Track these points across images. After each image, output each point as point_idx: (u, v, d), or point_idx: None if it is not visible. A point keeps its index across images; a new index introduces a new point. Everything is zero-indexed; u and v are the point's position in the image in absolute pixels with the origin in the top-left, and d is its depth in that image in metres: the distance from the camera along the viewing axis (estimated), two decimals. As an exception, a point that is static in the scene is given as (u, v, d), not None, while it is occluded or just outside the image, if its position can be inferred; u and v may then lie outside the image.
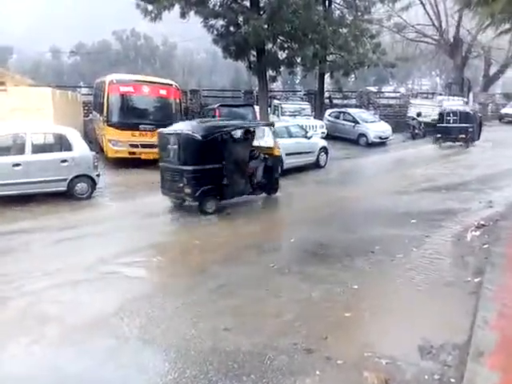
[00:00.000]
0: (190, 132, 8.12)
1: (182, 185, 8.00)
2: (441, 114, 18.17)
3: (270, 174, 9.35)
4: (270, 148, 9.61)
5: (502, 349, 3.30)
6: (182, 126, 8.86)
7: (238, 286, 4.90)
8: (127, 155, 12.61)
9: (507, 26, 7.70)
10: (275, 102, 19.86)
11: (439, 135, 17.72)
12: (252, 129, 9.51)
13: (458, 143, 17.21)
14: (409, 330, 3.87)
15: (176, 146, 8.17)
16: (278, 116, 18.55)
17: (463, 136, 16.93)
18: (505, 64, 31.81)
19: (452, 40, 27.90)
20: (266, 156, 9.36)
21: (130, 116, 12.78)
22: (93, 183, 9.59)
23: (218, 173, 8.21)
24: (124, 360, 3.57)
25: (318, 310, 4.29)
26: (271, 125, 10.32)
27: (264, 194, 9.45)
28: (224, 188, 8.32)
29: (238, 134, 9.23)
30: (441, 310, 4.21)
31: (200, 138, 7.90)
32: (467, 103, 24.18)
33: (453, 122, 17.39)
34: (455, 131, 17.10)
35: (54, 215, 8.21)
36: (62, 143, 9.37)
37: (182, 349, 3.62)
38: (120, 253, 6.04)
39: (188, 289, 4.88)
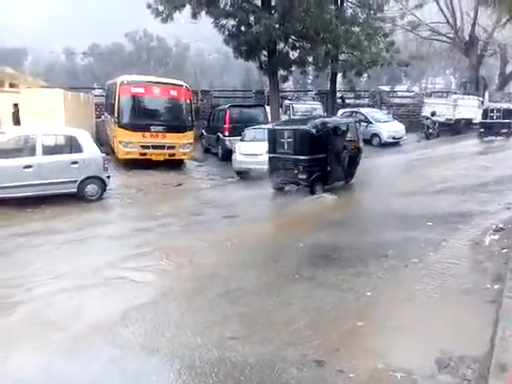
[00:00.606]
0: (305, 127, 9.73)
1: (296, 172, 9.59)
2: (485, 111, 19.65)
3: (354, 163, 10.93)
4: (353, 141, 10.95)
5: (526, 364, 3.09)
6: (295, 122, 11.64)
7: (247, 292, 4.76)
8: (138, 156, 12.60)
9: (527, 21, 7.44)
10: (286, 102, 19.71)
11: (482, 130, 19.12)
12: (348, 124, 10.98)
13: (499, 137, 18.62)
14: (425, 340, 3.68)
15: (292, 140, 9.82)
16: (289, 116, 18.39)
17: (505, 130, 18.68)
18: (522, 62, 31.10)
19: (467, 38, 27.34)
20: (352, 148, 10.69)
21: (141, 117, 12.75)
22: (103, 185, 9.58)
23: (324, 162, 9.77)
24: (128, 370, 3.46)
25: (329, 319, 4.13)
26: (358, 122, 12.36)
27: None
28: (328, 174, 9.87)
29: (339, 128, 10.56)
30: (459, 320, 4.01)
31: (314, 132, 9.53)
32: (482, 102, 23.68)
33: (496, 118, 18.94)
34: (497, 126, 18.69)
35: (64, 217, 8.20)
36: (72, 145, 9.38)
37: (186, 359, 3.49)
38: (128, 256, 5.96)
39: (195, 294, 4.76)
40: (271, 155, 10.33)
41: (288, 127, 10.34)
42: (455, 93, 24.40)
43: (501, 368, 3.03)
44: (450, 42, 28.89)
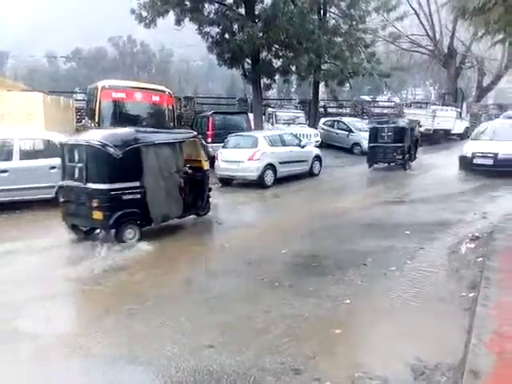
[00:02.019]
0: (403, 124, 15.32)
1: (395, 154, 14.55)
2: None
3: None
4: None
5: (498, 370, 3.14)
6: (390, 121, 16.12)
7: (226, 300, 4.73)
8: (118, 162, 12.43)
9: (502, 35, 7.67)
10: (269, 109, 19.81)
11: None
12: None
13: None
14: (401, 348, 3.71)
15: (391, 133, 14.76)
16: (272, 124, 18.49)
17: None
18: (498, 75, 32.08)
19: (446, 50, 28.10)
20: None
21: (122, 122, 12.54)
22: (82, 190, 9.39)
23: (410, 146, 15.26)
24: (100, 380, 3.37)
25: (307, 327, 4.12)
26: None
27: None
28: (412, 155, 15.64)
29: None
30: (435, 328, 4.05)
31: (407, 127, 15.16)
32: (461, 113, 24.30)
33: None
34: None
35: (40, 223, 8.03)
36: (50, 149, 9.19)
37: (162, 368, 3.43)
38: (104, 263, 5.85)
39: (173, 301, 4.70)
40: (372, 144, 14.93)
41: (387, 125, 15.11)
42: (434, 104, 24.97)
43: (474, 375, 3.07)
44: (429, 54, 29.62)
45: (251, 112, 17.94)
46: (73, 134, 15.24)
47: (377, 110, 26.53)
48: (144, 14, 14.97)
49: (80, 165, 6.58)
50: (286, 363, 3.49)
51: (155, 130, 7.85)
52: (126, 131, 7.13)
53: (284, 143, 13.23)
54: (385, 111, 26.65)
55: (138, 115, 13.05)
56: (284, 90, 44.99)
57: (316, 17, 18.06)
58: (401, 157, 14.33)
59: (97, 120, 12.37)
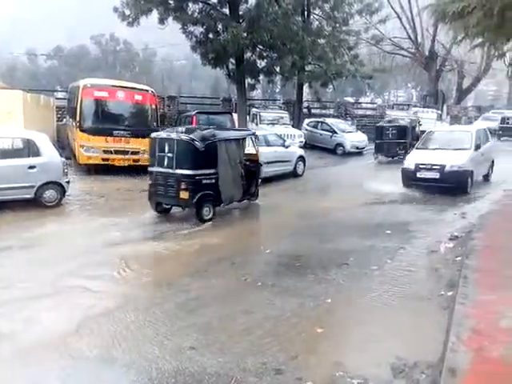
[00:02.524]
0: (405, 124, 17.14)
1: (398, 149, 16.30)
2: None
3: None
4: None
5: (476, 367, 3.21)
6: (395, 121, 17.78)
7: (208, 301, 4.71)
8: (100, 161, 12.27)
9: (481, 39, 7.84)
10: (254, 110, 19.82)
11: None
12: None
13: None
14: (382, 347, 3.76)
15: (395, 131, 16.67)
16: (256, 124, 18.49)
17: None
18: (477, 78, 32.81)
19: (427, 53, 28.62)
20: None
21: (104, 121, 12.45)
22: (62, 190, 9.23)
23: (409, 143, 16.35)
24: (81, 382, 3.32)
25: (289, 326, 4.14)
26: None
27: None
28: (407, 150, 15.35)
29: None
30: (415, 326, 4.12)
31: (408, 126, 16.96)
32: (441, 115, 24.76)
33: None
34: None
35: (18, 223, 7.84)
36: (30, 148, 8.98)
37: (143, 370, 3.39)
38: (85, 265, 5.77)
39: (154, 303, 4.66)
40: (378, 141, 17.00)
41: (391, 124, 17.04)
42: (415, 106, 25.39)
43: (451, 372, 3.13)
44: (411, 57, 30.13)
45: (235, 112, 17.92)
46: (53, 133, 15.03)
47: (360, 112, 26.84)
48: (127, 12, 14.78)
49: (170, 155, 8.08)
50: (268, 363, 3.50)
51: (226, 128, 11.62)
52: (207, 129, 8.73)
53: (268, 143, 13.23)
54: (368, 113, 26.98)
55: (120, 114, 12.88)
56: (268, 91, 45.10)
57: (300, 18, 18.13)
58: (403, 152, 15.45)
59: (78, 119, 12.17)
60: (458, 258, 5.76)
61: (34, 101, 14.24)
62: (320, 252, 6.43)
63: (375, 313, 4.47)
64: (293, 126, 19.86)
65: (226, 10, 15.93)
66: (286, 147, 13.68)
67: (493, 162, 12.12)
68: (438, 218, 8.18)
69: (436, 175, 10.16)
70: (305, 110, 23.59)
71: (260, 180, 9.99)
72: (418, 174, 10.41)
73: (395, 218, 8.36)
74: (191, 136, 8.04)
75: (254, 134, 10.04)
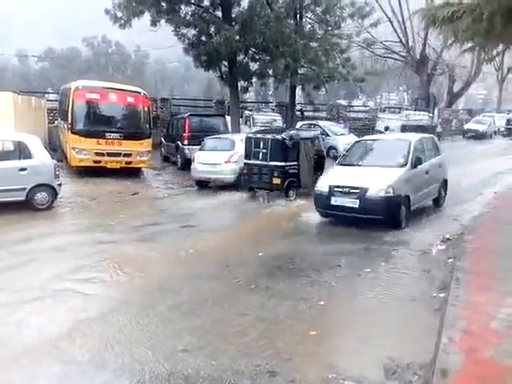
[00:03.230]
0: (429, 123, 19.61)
1: None
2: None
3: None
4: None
5: (468, 368, 3.24)
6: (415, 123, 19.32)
7: (201, 304, 4.69)
8: (92, 164, 12.20)
9: (470, 44, 7.93)
10: (247, 112, 19.87)
11: None
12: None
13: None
14: (374, 348, 3.77)
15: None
16: (249, 127, 18.53)
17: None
18: (468, 81, 33.19)
19: (418, 57, 28.87)
20: None
21: (96, 123, 12.39)
22: (54, 193, 9.17)
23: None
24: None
25: (282, 329, 4.14)
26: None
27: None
28: None
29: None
30: (407, 328, 4.15)
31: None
32: (432, 118, 24.98)
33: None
34: None
35: (10, 226, 7.75)
36: (21, 151, 8.91)
37: (136, 373, 3.37)
38: (77, 268, 5.72)
39: (146, 306, 4.63)
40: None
41: (413, 123, 19.14)
42: (407, 109, 25.58)
43: (443, 374, 3.16)
44: (402, 60, 30.38)
45: (228, 114, 17.92)
46: (44, 135, 14.90)
47: (352, 115, 26.99)
48: (119, 14, 14.71)
49: (264, 150, 10.35)
50: (262, 366, 3.49)
51: (304, 128, 15.54)
52: (292, 130, 11.98)
53: (261, 146, 13.27)
54: (360, 115, 27.13)
55: (112, 116, 12.83)
56: (261, 93, 45.20)
57: (292, 21, 18.19)
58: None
59: (70, 121, 12.09)
60: (450, 260, 5.81)
61: (24, 103, 14.11)
62: (313, 254, 6.45)
63: (368, 315, 4.49)
64: (285, 129, 19.91)
65: (219, 13, 15.94)
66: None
67: (445, 181, 9.49)
68: (431, 220, 8.22)
69: (355, 203, 7.46)
70: (298, 113, 23.65)
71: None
72: (333, 200, 7.68)
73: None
74: (283, 136, 10.35)
75: (320, 134, 13.26)
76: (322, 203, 8.02)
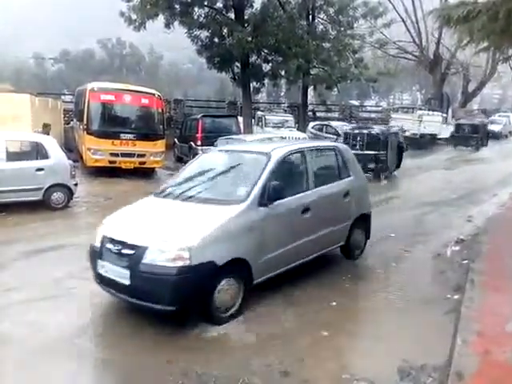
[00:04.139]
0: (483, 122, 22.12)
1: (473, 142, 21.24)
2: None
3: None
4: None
5: (483, 371, 3.22)
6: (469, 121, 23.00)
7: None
8: (107, 164, 12.36)
9: (486, 43, 7.85)
10: (259, 113, 19.92)
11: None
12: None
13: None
14: (388, 350, 3.77)
15: (470, 128, 22.14)
16: (261, 127, 18.58)
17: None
18: (482, 81, 32.72)
19: (432, 57, 28.57)
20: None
21: (111, 124, 12.55)
22: (69, 193, 9.31)
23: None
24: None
25: (295, 329, 4.16)
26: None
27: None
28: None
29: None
30: (421, 329, 4.12)
31: (480, 124, 22.11)
32: (446, 118, 24.69)
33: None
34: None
35: (27, 226, 7.91)
36: (38, 151, 9.08)
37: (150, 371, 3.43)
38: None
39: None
40: (456, 134, 22.43)
41: (467, 122, 22.66)
42: (420, 109, 25.34)
43: (458, 376, 3.14)
44: (415, 60, 30.10)
45: (241, 115, 18.00)
46: (60, 135, 15.15)
47: (365, 115, 26.84)
48: (133, 16, 14.91)
49: (360, 142, 13.31)
50: (274, 366, 3.51)
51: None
52: (383, 127, 15.72)
53: (273, 146, 13.28)
54: (373, 116, 26.96)
55: (127, 117, 12.99)
56: (273, 94, 45.19)
57: (305, 22, 18.22)
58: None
59: (85, 122, 12.28)
60: (465, 262, 5.76)
61: (41, 104, 14.38)
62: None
63: (381, 316, 4.48)
64: (298, 129, 19.90)
65: (232, 15, 16.02)
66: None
67: (365, 218, 6.21)
68: (444, 222, 8.13)
69: (124, 275, 4.05)
70: (310, 113, 23.63)
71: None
72: (100, 267, 4.34)
73: (400, 220, 8.33)
74: (376, 131, 13.63)
75: (401, 130, 16.88)
76: (93, 269, 4.51)
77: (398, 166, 14.38)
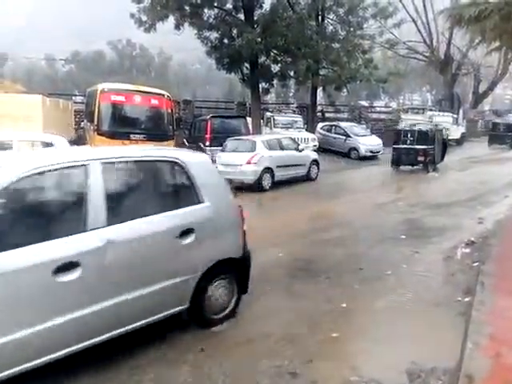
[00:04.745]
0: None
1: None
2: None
3: None
4: None
5: (494, 374, 3.18)
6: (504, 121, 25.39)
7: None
8: (117, 165, 12.46)
9: (498, 43, 7.78)
10: (268, 114, 19.92)
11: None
12: None
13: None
14: (397, 352, 3.74)
15: (506, 127, 23.92)
16: (270, 128, 18.59)
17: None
18: (494, 81, 32.38)
19: (442, 57, 28.33)
20: None
21: (121, 125, 12.65)
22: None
23: None
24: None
25: (304, 330, 4.15)
26: None
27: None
28: None
29: None
30: (430, 332, 4.09)
31: None
32: (457, 119, 24.48)
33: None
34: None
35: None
36: (49, 151, 9.20)
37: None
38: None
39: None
40: (492, 133, 23.87)
41: (504, 121, 23.96)
42: (431, 109, 25.16)
43: (469, 379, 3.11)
44: (426, 61, 29.87)
45: (249, 116, 18.03)
46: (71, 136, 15.30)
47: (374, 115, 26.72)
48: (144, 18, 15.05)
49: (411, 138, 15.04)
50: (283, 366, 3.51)
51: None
52: (433, 126, 16.71)
53: (282, 147, 13.30)
54: (382, 116, 26.83)
55: (137, 118, 13.09)
56: (282, 95, 45.16)
57: (314, 23, 18.19)
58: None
59: (96, 122, 12.39)
60: (475, 264, 5.70)
61: (52, 105, 14.56)
62: (333, 256, 6.42)
63: (391, 318, 4.45)
64: (306, 130, 19.88)
65: (241, 16, 16.09)
66: (300, 151, 13.72)
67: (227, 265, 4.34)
68: (454, 223, 8.08)
69: None
70: (319, 114, 23.58)
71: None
72: None
73: (410, 222, 8.29)
74: (426, 128, 15.54)
75: (444, 128, 18.14)
76: None
77: (442, 159, 16.09)
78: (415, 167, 15.17)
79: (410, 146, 14.76)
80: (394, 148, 15.33)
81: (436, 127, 16.20)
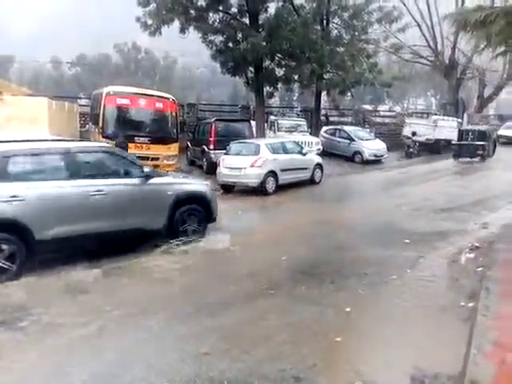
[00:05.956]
0: None
1: None
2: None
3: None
4: None
5: (499, 381, 3.16)
6: None
7: (225, 306, 4.75)
8: (121, 167, 12.50)
9: (503, 48, 7.76)
10: (272, 117, 19.94)
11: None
12: None
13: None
14: (401, 357, 3.73)
15: None
16: (274, 132, 18.61)
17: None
18: (499, 86, 32.24)
19: (447, 61, 28.26)
20: None
21: (126, 128, 12.69)
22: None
23: None
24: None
25: (308, 334, 4.14)
26: None
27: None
28: None
29: None
30: (435, 337, 4.07)
31: None
32: (462, 124, 24.38)
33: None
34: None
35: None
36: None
37: (163, 374, 3.45)
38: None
39: (173, 307, 4.72)
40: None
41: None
42: (435, 114, 25.08)
43: (473, 385, 3.09)
44: (430, 65, 29.79)
45: (253, 119, 18.06)
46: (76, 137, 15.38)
47: (378, 120, 26.68)
48: (149, 22, 15.14)
49: (472, 136, 18.47)
50: (286, 371, 3.50)
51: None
52: (489, 127, 21.99)
53: (286, 151, 13.31)
54: (386, 120, 26.79)
55: (141, 121, 13.14)
56: (286, 98, 45.18)
57: (319, 27, 18.25)
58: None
59: (101, 125, 12.45)
60: (480, 269, 5.67)
61: (59, 108, 14.63)
62: (338, 260, 6.41)
63: (395, 323, 4.44)
64: (310, 134, 19.88)
65: (246, 20, 16.16)
66: (304, 155, 13.73)
67: None
68: (459, 228, 8.03)
69: None
70: (323, 118, 23.59)
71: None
72: None
73: (414, 227, 8.25)
74: (484, 128, 19.34)
75: (494, 129, 21.99)
76: None
77: (493, 153, 19.43)
78: (473, 159, 18.30)
79: (471, 142, 18.20)
80: (457, 144, 18.81)
81: (490, 128, 20.50)
